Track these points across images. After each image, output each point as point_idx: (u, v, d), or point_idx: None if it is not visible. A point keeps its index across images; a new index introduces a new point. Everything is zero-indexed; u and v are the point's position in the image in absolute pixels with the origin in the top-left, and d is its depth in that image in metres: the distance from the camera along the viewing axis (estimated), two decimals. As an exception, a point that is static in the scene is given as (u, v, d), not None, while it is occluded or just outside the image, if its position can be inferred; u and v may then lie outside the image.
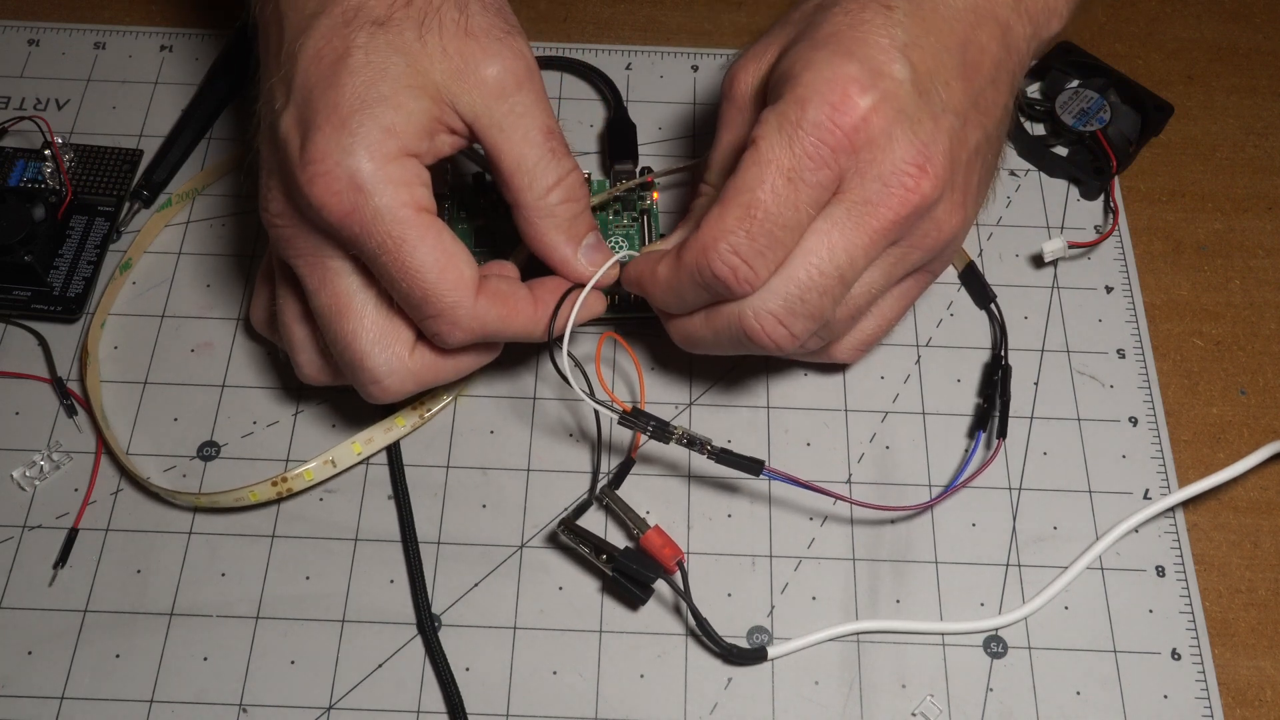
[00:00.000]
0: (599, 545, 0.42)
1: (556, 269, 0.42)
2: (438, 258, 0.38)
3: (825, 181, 0.38)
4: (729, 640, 0.41)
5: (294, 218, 0.39)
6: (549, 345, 0.41)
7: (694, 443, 0.41)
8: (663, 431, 0.41)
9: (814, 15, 0.40)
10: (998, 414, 0.46)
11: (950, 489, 0.45)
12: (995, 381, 0.47)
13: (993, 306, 0.49)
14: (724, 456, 0.41)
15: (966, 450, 0.46)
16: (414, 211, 0.38)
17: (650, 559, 0.42)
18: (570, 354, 0.41)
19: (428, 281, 0.38)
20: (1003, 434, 0.46)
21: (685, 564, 0.42)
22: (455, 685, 0.41)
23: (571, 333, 0.41)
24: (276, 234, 0.40)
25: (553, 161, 0.40)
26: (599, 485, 0.45)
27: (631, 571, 0.41)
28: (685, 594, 0.42)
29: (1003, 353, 0.48)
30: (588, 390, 0.42)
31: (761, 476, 0.42)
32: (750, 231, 0.37)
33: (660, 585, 0.42)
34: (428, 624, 0.42)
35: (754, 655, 0.42)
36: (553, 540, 0.44)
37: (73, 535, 0.43)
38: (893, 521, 0.45)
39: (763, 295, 0.39)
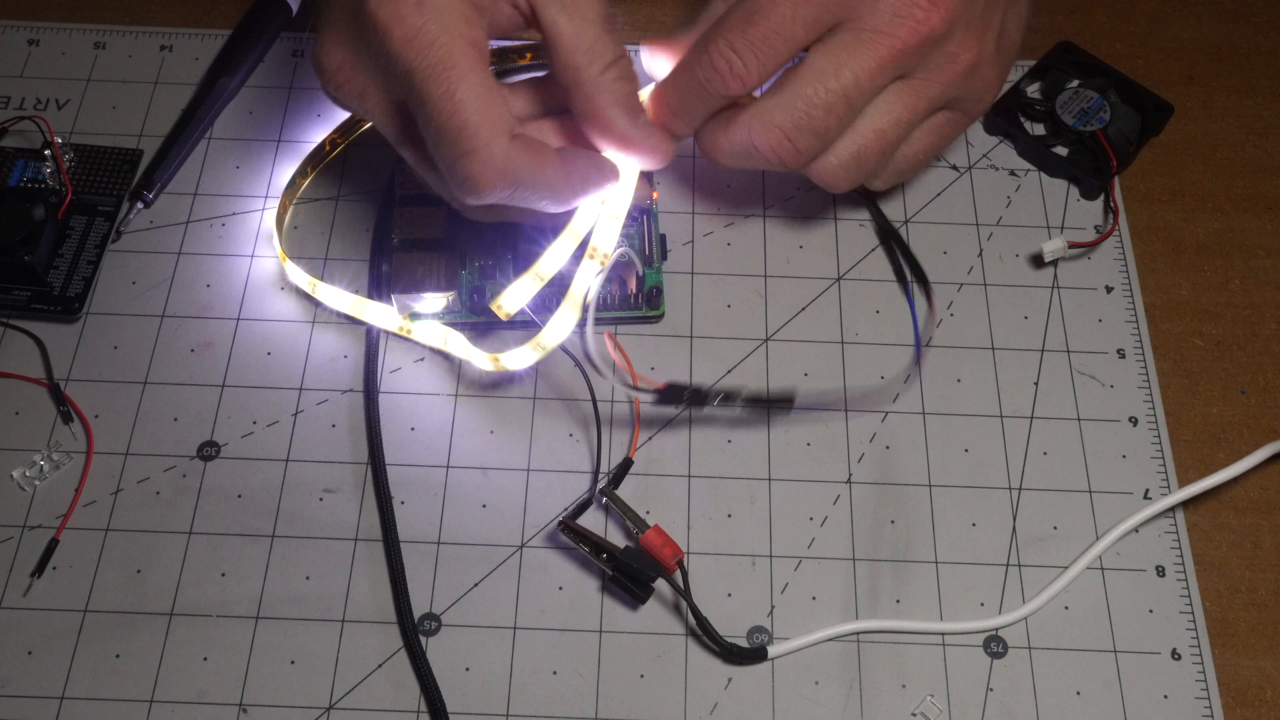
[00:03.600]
0: (599, 544, 0.42)
1: (615, 142, 0.43)
2: (482, 93, 0.39)
3: (827, 2, 0.41)
4: (729, 640, 0.41)
5: (354, 61, 0.41)
6: (579, 326, 0.43)
7: (730, 397, 0.45)
8: (700, 396, 0.44)
9: None
10: (908, 266, 0.49)
11: (919, 350, 0.48)
12: (892, 246, 0.50)
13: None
14: (758, 401, 0.46)
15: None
16: (469, 45, 0.39)
17: (650, 558, 0.42)
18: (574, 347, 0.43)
19: (468, 113, 0.39)
20: (923, 280, 0.49)
21: (685, 563, 0.42)
22: (436, 686, 0.41)
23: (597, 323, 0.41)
24: (346, 88, 0.42)
25: (610, 41, 0.41)
26: (599, 485, 0.45)
27: (631, 571, 0.41)
28: (685, 593, 0.42)
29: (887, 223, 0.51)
30: (630, 383, 0.45)
31: (793, 414, 0.46)
32: (746, 32, 0.41)
33: (660, 585, 0.42)
34: (410, 627, 0.42)
35: (754, 655, 0.42)
36: (553, 540, 0.44)
37: (53, 545, 0.43)
38: (892, 521, 0.45)
39: (772, 110, 0.42)
